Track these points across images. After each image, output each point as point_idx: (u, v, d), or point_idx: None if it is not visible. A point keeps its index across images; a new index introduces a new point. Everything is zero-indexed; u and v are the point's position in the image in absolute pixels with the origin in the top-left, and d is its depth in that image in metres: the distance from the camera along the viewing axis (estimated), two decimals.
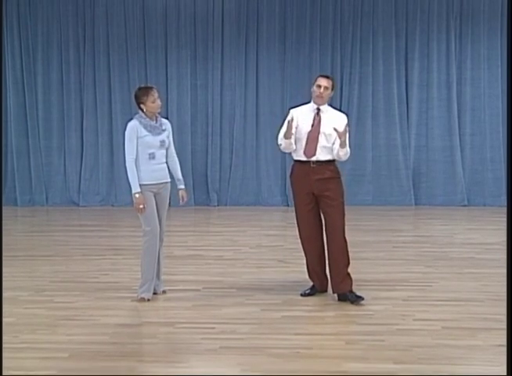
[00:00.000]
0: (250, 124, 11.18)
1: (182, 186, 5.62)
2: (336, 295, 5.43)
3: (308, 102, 5.51)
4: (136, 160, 5.30)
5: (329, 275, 5.46)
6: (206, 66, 11.12)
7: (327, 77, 5.43)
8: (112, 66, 11.12)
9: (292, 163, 5.58)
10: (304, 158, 5.36)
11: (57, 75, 11.18)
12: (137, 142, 5.26)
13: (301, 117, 5.40)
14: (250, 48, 11.06)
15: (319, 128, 5.34)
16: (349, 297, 5.34)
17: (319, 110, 5.40)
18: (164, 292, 5.62)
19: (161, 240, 5.52)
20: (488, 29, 10.79)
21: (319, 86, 5.34)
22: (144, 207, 5.27)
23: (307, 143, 5.33)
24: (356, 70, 10.99)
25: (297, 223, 5.52)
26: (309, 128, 5.35)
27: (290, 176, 5.55)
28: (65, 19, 11.06)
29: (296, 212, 5.51)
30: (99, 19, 11.05)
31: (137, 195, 5.26)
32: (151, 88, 5.38)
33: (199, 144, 11.24)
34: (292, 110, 5.52)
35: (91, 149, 11.24)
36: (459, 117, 10.98)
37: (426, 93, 11.01)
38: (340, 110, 5.73)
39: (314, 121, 5.36)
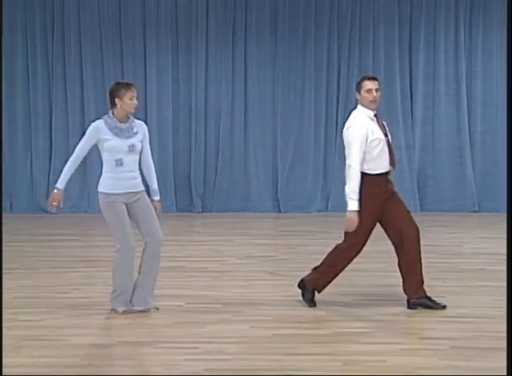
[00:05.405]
0: (238, 121, 11.19)
1: (157, 198, 5.60)
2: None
3: (352, 107, 5.71)
4: (104, 165, 5.35)
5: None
6: (189, 58, 11.12)
7: (373, 78, 5.60)
8: (84, 58, 11.10)
9: (365, 177, 5.44)
10: (387, 169, 5.55)
11: (22, 68, 11.15)
12: (100, 146, 5.31)
13: (371, 126, 5.50)
14: (238, 37, 11.08)
15: (388, 135, 5.61)
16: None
17: (377, 116, 5.61)
18: (156, 309, 5.56)
19: (157, 251, 5.46)
20: (502, 17, 10.84)
21: (370, 90, 5.50)
22: (58, 205, 5.33)
23: (390, 153, 5.55)
24: (355, 62, 11.02)
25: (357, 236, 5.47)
26: (383, 137, 5.53)
27: (372, 189, 5.43)
28: (30, 4, 11.03)
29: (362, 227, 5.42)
30: (69, 5, 11.01)
31: (55, 190, 5.34)
32: (132, 84, 5.40)
33: (181, 143, 11.24)
34: (362, 125, 5.45)
35: (61, 150, 11.16)
36: (468, 114, 11.04)
37: (432, 88, 11.07)
38: None
39: (382, 128, 5.57)
